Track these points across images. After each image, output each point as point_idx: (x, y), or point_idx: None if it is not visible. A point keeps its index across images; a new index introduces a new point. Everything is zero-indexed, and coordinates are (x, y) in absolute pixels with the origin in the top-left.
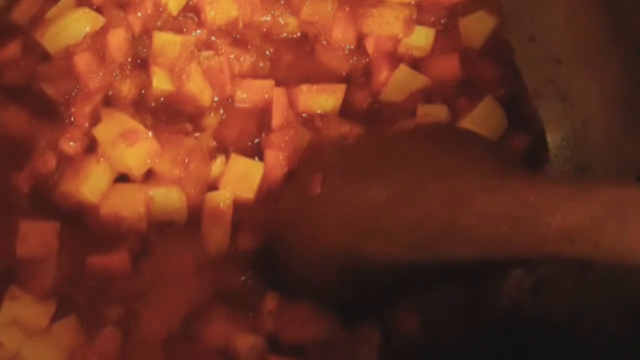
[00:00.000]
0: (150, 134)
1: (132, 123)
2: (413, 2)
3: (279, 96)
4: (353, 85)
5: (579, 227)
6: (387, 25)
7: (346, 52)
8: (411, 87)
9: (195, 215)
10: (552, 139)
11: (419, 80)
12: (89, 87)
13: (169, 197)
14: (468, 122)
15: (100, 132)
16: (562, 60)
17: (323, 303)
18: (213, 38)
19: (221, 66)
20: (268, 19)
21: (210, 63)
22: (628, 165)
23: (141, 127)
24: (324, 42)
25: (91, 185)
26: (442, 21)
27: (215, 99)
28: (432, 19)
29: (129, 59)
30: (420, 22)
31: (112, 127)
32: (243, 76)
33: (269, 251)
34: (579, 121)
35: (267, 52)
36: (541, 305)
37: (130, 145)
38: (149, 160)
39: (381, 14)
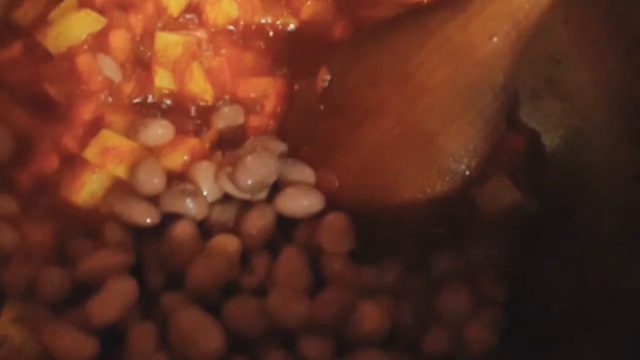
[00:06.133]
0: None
1: (117, 140)
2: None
3: (280, 89)
4: None
5: None
6: None
7: None
8: None
9: None
10: (551, 138)
11: None
12: (91, 87)
13: None
14: None
15: (90, 154)
16: (561, 59)
17: None
18: (214, 38)
19: (222, 66)
20: (268, 19)
21: (211, 63)
22: (626, 164)
23: (126, 142)
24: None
25: (86, 192)
26: None
27: (217, 97)
28: None
29: (131, 59)
30: None
31: (100, 147)
32: (244, 76)
33: None
34: (577, 120)
35: (268, 52)
36: None
37: (120, 163)
38: None
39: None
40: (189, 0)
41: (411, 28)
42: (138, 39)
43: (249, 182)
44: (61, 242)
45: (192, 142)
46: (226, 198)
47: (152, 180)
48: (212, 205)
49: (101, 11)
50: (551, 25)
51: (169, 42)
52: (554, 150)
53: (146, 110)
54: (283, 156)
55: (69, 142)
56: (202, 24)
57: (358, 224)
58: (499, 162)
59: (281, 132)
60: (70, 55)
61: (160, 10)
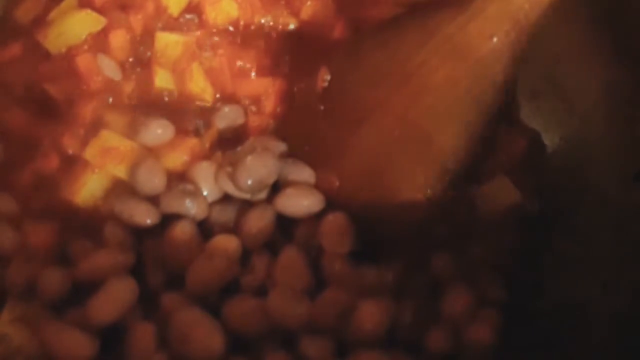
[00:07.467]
0: (137, 145)
1: (117, 140)
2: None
3: (280, 89)
4: None
5: None
6: None
7: None
8: None
9: None
10: (552, 137)
11: None
12: (91, 87)
13: None
14: None
15: (90, 154)
16: (561, 59)
17: None
18: (214, 38)
19: (222, 66)
20: (268, 19)
21: (211, 63)
22: (627, 164)
23: (126, 142)
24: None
25: (86, 192)
26: None
27: (217, 97)
28: None
29: (131, 59)
30: None
31: (99, 148)
32: (244, 76)
33: None
34: (577, 120)
35: (268, 52)
36: None
37: (120, 163)
38: None
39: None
40: (189, 0)
41: (411, 28)
42: (138, 39)
43: (249, 182)
44: (61, 242)
45: (192, 142)
46: (226, 198)
47: (152, 180)
48: (212, 205)
49: (101, 11)
50: (551, 25)
51: (169, 42)
52: (554, 150)
53: (146, 110)
54: (283, 156)
55: (69, 142)
56: (202, 24)
57: (358, 224)
58: (499, 162)
59: (281, 132)
60: (70, 55)
61: (160, 10)
